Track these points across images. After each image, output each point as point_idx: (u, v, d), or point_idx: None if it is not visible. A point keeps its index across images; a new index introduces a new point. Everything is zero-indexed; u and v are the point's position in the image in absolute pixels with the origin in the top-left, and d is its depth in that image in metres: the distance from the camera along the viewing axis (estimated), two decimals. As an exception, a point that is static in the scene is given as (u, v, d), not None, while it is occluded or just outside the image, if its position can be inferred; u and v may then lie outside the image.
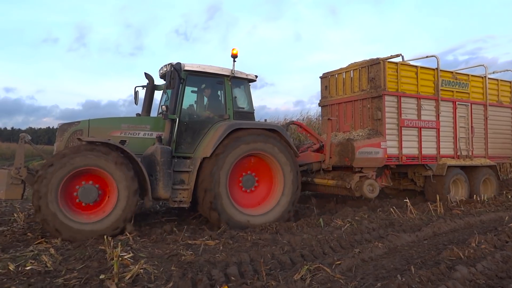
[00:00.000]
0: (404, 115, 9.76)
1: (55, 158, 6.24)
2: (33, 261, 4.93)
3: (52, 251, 5.33)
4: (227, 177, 7.39)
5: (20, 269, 4.69)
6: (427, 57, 10.69)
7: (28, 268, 4.69)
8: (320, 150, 9.62)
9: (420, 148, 10.01)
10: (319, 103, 11.50)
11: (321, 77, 11.40)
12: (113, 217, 6.35)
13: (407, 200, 8.95)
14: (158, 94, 8.92)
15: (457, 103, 10.75)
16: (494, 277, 4.72)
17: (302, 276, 4.53)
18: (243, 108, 8.30)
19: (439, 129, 10.35)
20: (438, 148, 10.32)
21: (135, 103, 8.86)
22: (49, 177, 6.05)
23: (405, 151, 9.77)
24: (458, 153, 10.75)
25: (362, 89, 10.00)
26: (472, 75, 11.35)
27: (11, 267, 4.71)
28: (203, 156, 7.31)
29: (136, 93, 8.78)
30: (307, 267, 4.72)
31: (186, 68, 7.63)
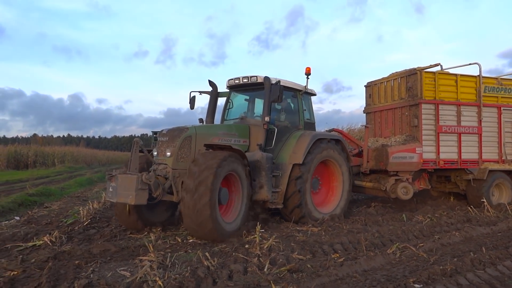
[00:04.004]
0: (442, 122, 10.20)
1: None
2: (189, 237, 6.84)
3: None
4: (310, 180, 8.38)
5: (184, 241, 6.62)
6: (469, 64, 10.81)
7: (190, 240, 6.61)
8: (359, 154, 10.30)
9: (459, 153, 10.39)
10: (363, 110, 12.24)
11: (365, 86, 12.10)
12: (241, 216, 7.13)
13: (484, 200, 9.87)
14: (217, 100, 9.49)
15: (502, 108, 10.95)
16: (555, 258, 5.77)
17: (393, 251, 5.96)
18: (309, 119, 9.35)
19: (481, 134, 10.62)
20: (480, 152, 10.61)
21: (191, 108, 9.37)
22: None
23: (443, 156, 10.21)
24: (503, 158, 10.91)
25: (401, 97, 10.68)
26: None
27: (179, 239, 6.67)
28: (295, 162, 8.11)
29: (192, 98, 9.26)
30: (396, 245, 6.16)
31: (272, 82, 8.27)
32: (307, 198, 8.26)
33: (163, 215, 7.88)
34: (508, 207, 9.95)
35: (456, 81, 10.50)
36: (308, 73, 8.86)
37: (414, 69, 10.29)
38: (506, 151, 11.01)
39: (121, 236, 7.12)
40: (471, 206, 9.78)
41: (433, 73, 10.27)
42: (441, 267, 5.09)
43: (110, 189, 6.82)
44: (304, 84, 9.07)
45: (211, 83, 9.43)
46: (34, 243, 6.58)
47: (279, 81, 8.08)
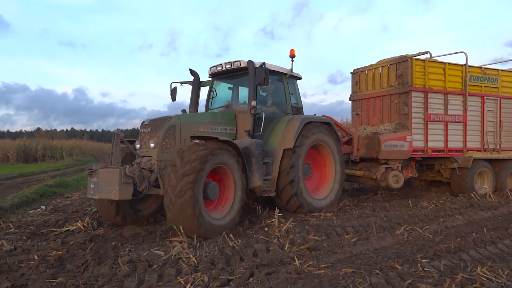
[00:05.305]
0: (431, 110, 10.19)
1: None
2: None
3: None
4: (302, 166, 8.16)
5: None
6: (455, 53, 10.80)
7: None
8: (348, 142, 10.11)
9: (446, 141, 10.44)
10: (349, 98, 11.96)
11: (352, 73, 11.81)
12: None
13: (487, 187, 10.34)
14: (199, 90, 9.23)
15: (485, 97, 11.05)
16: (551, 237, 6.27)
17: (401, 232, 6.47)
18: (296, 103, 9.07)
19: (466, 123, 10.72)
20: (464, 141, 10.71)
21: (173, 100, 9.09)
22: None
23: (430, 144, 10.23)
24: (485, 146, 11.07)
25: (390, 85, 10.50)
26: (502, 70, 11.54)
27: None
28: (285, 147, 7.88)
29: (173, 89, 8.99)
30: (404, 227, 6.68)
31: (256, 66, 7.99)
32: (301, 186, 8.07)
33: (149, 209, 7.60)
34: (509, 193, 10.42)
35: (444, 70, 10.51)
36: (292, 56, 8.60)
37: (405, 56, 10.23)
38: (488, 140, 11.20)
39: (148, 221, 7.62)
40: (474, 193, 10.22)
41: (423, 60, 10.24)
42: (445, 245, 5.60)
43: (92, 185, 6.37)
44: (289, 67, 8.80)
45: (192, 72, 9.13)
46: (67, 228, 7.12)
47: (264, 63, 7.77)
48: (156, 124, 7.04)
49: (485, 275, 4.33)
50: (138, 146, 7.17)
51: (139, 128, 7.35)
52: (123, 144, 6.75)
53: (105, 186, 6.14)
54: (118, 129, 6.67)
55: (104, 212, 7.17)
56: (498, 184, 11.12)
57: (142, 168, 6.70)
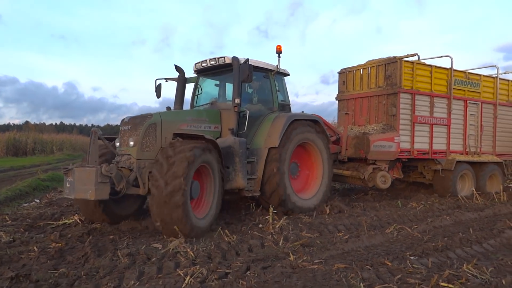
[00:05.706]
0: (418, 112, 10.28)
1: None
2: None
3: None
4: (288, 165, 8.03)
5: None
6: (441, 56, 10.95)
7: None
8: (336, 142, 10.03)
9: (431, 143, 10.58)
10: (336, 97, 11.92)
11: (339, 72, 11.75)
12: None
13: (473, 189, 10.64)
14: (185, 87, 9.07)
15: (468, 101, 11.24)
16: (533, 238, 6.54)
17: (391, 231, 6.69)
18: (284, 100, 8.90)
19: (450, 126, 10.89)
20: (448, 144, 10.89)
21: (157, 96, 8.93)
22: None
23: (416, 145, 10.34)
24: (467, 149, 11.28)
25: (379, 85, 10.50)
26: (483, 75, 11.79)
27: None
28: (271, 146, 7.68)
29: (158, 86, 8.83)
30: (393, 226, 6.90)
31: (240, 62, 7.77)
32: (289, 190, 7.90)
33: (131, 208, 7.42)
34: (495, 195, 10.73)
35: (431, 72, 10.61)
36: (279, 52, 8.40)
37: (394, 57, 10.24)
38: (470, 143, 11.40)
39: (144, 216, 7.75)
40: (461, 195, 10.50)
41: (412, 62, 10.29)
42: (433, 244, 5.83)
43: (68, 185, 6.16)
44: (276, 64, 8.57)
45: (177, 68, 8.96)
46: (64, 221, 7.24)
47: (247, 60, 7.59)
48: (135, 121, 6.80)
49: (470, 271, 4.54)
50: (118, 144, 6.96)
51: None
52: (101, 141, 6.58)
53: (80, 186, 5.93)
54: (96, 127, 6.51)
55: (87, 212, 6.94)
56: (479, 187, 11.26)
57: (121, 167, 6.51)
